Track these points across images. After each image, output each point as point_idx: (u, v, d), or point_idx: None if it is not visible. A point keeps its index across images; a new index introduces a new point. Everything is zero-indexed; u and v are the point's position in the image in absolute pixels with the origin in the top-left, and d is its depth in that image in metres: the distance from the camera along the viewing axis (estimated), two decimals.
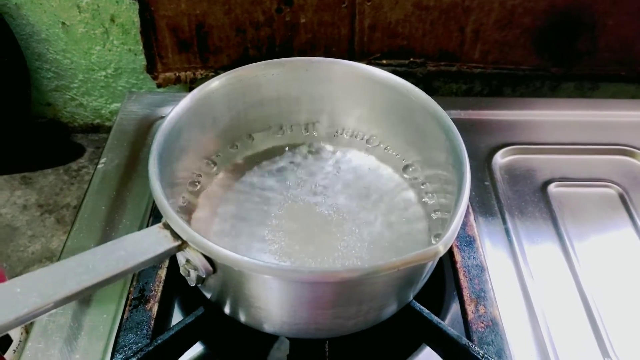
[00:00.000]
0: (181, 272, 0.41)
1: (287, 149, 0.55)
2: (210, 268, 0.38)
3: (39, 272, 0.34)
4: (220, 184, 0.51)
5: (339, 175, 0.52)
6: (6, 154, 0.86)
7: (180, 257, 0.40)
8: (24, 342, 0.63)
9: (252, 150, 0.54)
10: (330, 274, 0.35)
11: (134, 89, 0.84)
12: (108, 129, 0.91)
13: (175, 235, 0.37)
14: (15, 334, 0.62)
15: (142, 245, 0.37)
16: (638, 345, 0.48)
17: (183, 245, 0.37)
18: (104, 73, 0.83)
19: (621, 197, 0.60)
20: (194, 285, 0.41)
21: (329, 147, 0.55)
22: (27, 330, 0.63)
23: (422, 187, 0.50)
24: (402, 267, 0.35)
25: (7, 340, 0.61)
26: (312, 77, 0.52)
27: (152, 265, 0.47)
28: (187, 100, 0.47)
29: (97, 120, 0.90)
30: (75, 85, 0.84)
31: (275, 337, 0.50)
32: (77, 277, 0.34)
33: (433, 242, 0.46)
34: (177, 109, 0.46)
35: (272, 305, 0.39)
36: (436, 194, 0.49)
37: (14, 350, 0.62)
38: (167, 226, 0.38)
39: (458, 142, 0.43)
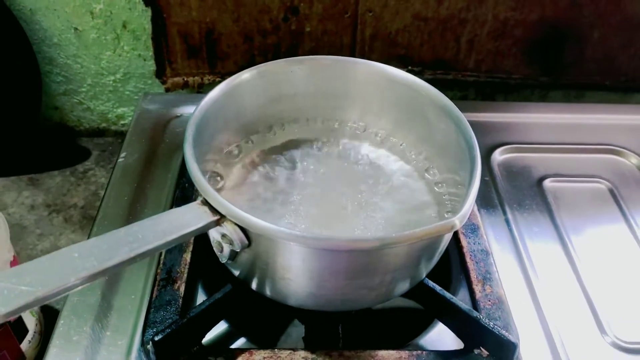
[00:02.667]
0: (214, 248, 0.44)
1: (303, 142, 0.58)
2: (246, 241, 0.40)
3: (93, 240, 0.36)
4: (239, 173, 0.54)
5: (352, 166, 0.56)
6: (14, 156, 0.87)
7: (215, 234, 0.43)
8: (39, 333, 0.64)
9: (270, 143, 0.57)
10: (364, 241, 0.39)
11: (140, 93, 0.86)
12: (113, 133, 0.93)
13: (214, 210, 0.40)
14: (30, 324, 0.63)
15: (185, 219, 0.40)
16: (629, 319, 0.53)
17: (221, 219, 0.40)
18: (112, 78, 0.85)
19: (611, 191, 0.65)
20: (225, 261, 0.44)
21: (343, 141, 0.58)
22: (41, 322, 0.65)
23: (433, 179, 0.54)
24: (424, 237, 0.39)
25: (23, 331, 0.62)
26: (329, 75, 0.56)
27: (193, 237, 0.49)
28: (216, 92, 0.50)
29: (103, 124, 0.92)
30: (83, 89, 0.86)
31: (290, 319, 0.53)
32: (128, 245, 0.36)
33: None
34: (206, 100, 0.49)
35: (302, 276, 0.42)
36: (446, 184, 0.53)
37: (29, 341, 0.64)
38: (205, 202, 0.41)
39: (468, 130, 0.47)
